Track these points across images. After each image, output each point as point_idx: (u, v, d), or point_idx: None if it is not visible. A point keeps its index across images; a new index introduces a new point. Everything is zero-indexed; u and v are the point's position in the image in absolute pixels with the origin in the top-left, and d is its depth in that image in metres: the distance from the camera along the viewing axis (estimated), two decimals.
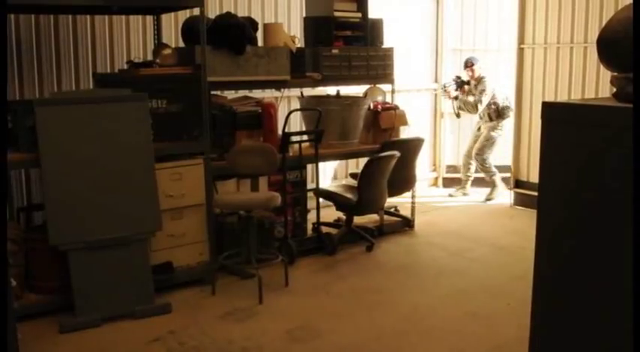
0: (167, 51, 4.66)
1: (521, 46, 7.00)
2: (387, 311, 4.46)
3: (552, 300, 1.93)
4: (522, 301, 4.56)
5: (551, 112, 1.75)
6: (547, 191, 1.80)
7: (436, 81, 8.03)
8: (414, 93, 7.76)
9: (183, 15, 5.48)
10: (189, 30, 5.04)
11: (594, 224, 1.71)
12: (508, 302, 4.55)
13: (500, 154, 7.52)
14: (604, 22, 6.00)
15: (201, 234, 4.78)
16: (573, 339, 1.87)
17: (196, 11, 4.90)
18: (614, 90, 1.75)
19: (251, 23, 5.26)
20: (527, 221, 6.53)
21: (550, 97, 6.71)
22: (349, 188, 5.86)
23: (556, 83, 6.72)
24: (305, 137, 5.59)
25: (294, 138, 5.42)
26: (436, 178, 8.33)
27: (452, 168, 8.27)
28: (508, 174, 7.36)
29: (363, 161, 6.92)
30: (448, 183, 8.22)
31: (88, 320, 4.05)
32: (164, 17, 5.42)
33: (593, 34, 6.31)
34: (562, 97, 6.53)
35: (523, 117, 7.10)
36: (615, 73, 1.73)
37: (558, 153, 1.75)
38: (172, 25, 5.70)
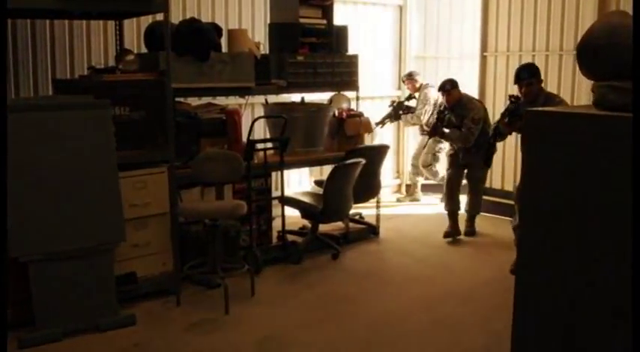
0: (130, 57, 4.56)
1: (485, 53, 7.07)
2: (356, 319, 4.43)
3: (534, 312, 1.90)
4: (489, 307, 4.66)
5: (534, 120, 1.74)
6: (529, 198, 1.78)
7: (399, 88, 8.05)
8: (377, 100, 7.76)
9: (146, 20, 5.38)
10: (153, 35, 4.94)
11: (579, 230, 1.70)
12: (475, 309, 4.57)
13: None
14: (565, 31, 6.12)
15: (166, 244, 4.68)
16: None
17: (159, 17, 4.82)
18: (594, 98, 1.75)
19: (215, 29, 5.18)
20: (491, 227, 6.61)
21: None
22: (314, 195, 5.82)
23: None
24: (269, 144, 5.54)
25: (259, 146, 5.36)
26: (399, 185, 8.34)
27: None
28: None
29: (327, 168, 6.94)
30: (413, 190, 8.23)
31: (48, 334, 3.92)
32: (126, 22, 5.31)
33: (555, 43, 6.44)
34: None
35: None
36: (598, 82, 1.72)
37: (540, 161, 1.74)
38: (135, 30, 5.59)
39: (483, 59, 7.09)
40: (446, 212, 6.34)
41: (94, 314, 4.09)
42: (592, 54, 1.75)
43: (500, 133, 5.53)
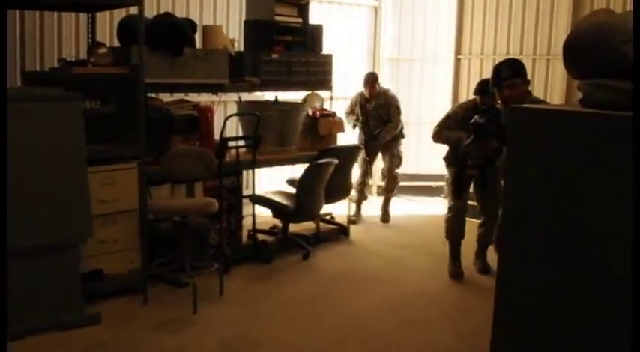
0: (102, 50, 4.47)
1: (459, 56, 7.11)
2: (326, 320, 4.41)
3: (517, 317, 1.89)
4: (459, 308, 4.68)
5: (520, 118, 1.74)
6: (513, 197, 1.78)
7: None
8: (350, 101, 7.74)
9: (119, 14, 5.30)
10: (126, 29, 4.86)
11: (566, 230, 1.69)
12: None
13: (434, 164, 7.59)
14: (539, 35, 6.18)
15: (134, 241, 4.60)
16: None
17: (133, 10, 4.74)
18: (581, 96, 1.75)
19: (190, 24, 5.12)
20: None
21: None
22: (286, 195, 5.78)
23: None
24: (242, 142, 5.49)
25: (232, 144, 5.31)
26: (370, 186, 8.33)
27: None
28: (441, 183, 7.43)
29: (298, 167, 6.91)
30: (381, 190, 8.24)
31: (11, 332, 3.80)
32: (99, 15, 5.22)
33: (529, 46, 6.49)
34: None
35: None
36: (584, 80, 1.72)
37: (526, 160, 1.73)
38: (107, 23, 5.50)
39: (457, 62, 7.13)
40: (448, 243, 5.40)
41: (59, 312, 4.00)
42: (578, 52, 1.74)
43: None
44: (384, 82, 7.99)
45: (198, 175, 4.87)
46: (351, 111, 7.00)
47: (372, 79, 6.79)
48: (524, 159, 1.74)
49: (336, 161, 5.58)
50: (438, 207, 7.46)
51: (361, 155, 6.75)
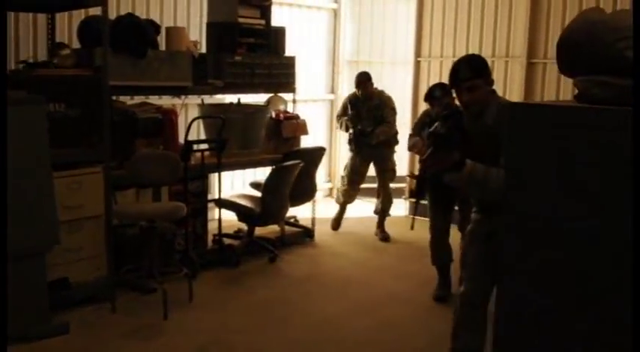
0: (66, 51, 4.34)
1: (419, 58, 7.17)
2: (299, 323, 4.38)
3: (518, 315, 1.89)
4: (429, 307, 4.70)
5: (520, 114, 1.74)
6: (512, 198, 1.77)
7: (332, 92, 8.06)
8: (310, 103, 7.74)
9: (78, 14, 5.16)
10: (87, 30, 4.74)
11: (567, 227, 1.70)
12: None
13: (399, 164, 7.64)
14: (498, 36, 6.25)
15: (99, 248, 4.47)
16: None
17: (92, 11, 4.62)
18: (577, 92, 1.77)
19: (153, 26, 5.03)
20: (426, 230, 6.67)
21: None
22: (251, 198, 5.73)
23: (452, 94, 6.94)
24: (205, 146, 5.41)
25: (197, 147, 5.23)
26: (331, 189, 8.35)
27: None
28: (403, 185, 7.49)
29: (260, 171, 6.87)
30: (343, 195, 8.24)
31: None
32: (58, 16, 5.06)
33: (488, 48, 6.59)
34: None
35: None
36: (579, 77, 1.74)
37: (525, 158, 1.73)
38: (66, 25, 5.34)
39: (417, 64, 7.18)
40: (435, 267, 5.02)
41: (25, 323, 3.85)
42: (572, 50, 1.77)
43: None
44: (344, 85, 8.04)
45: (165, 179, 4.78)
46: (342, 113, 6.60)
47: (365, 79, 6.40)
48: (525, 158, 1.74)
49: (301, 163, 5.56)
50: (400, 207, 7.51)
51: (350, 160, 6.59)
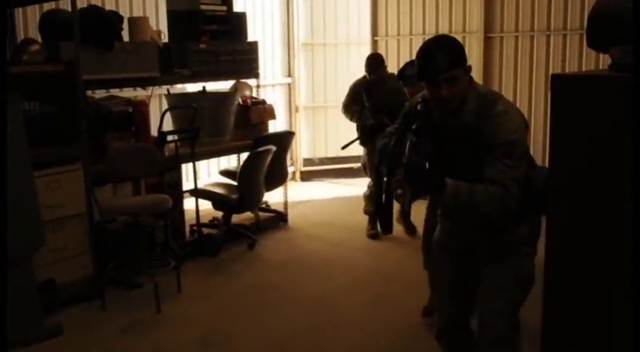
0: (35, 47, 4.21)
1: (375, 38, 7.23)
2: (291, 306, 4.41)
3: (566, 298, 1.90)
4: (416, 284, 4.77)
5: (562, 85, 1.77)
6: (560, 170, 1.79)
7: (289, 75, 8.05)
8: (269, 88, 7.72)
9: (33, 8, 4.99)
10: (50, 24, 4.60)
11: (613, 201, 1.72)
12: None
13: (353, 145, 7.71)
14: (454, 14, 6.36)
15: (83, 246, 4.39)
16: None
17: (48, 5, 4.48)
18: (612, 63, 1.84)
19: (116, 17, 4.92)
20: (395, 208, 6.79)
21: None
22: (226, 186, 5.70)
23: None
24: (176, 137, 5.33)
25: (170, 138, 5.16)
26: (294, 172, 8.36)
27: (309, 162, 8.36)
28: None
29: (225, 159, 6.84)
30: (306, 176, 8.30)
31: None
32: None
33: (444, 25, 6.70)
34: None
35: None
36: (614, 47, 1.81)
37: (570, 133, 1.76)
38: (21, 18, 5.16)
39: (374, 44, 7.25)
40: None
41: (19, 328, 3.75)
42: (604, 22, 1.84)
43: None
44: (299, 68, 8.04)
45: (144, 172, 4.72)
46: (351, 101, 5.72)
47: (379, 61, 5.69)
48: (570, 133, 1.75)
49: (274, 148, 5.55)
50: (362, 187, 7.59)
51: (367, 160, 5.71)
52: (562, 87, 1.78)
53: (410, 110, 2.56)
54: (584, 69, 6.02)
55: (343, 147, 5.65)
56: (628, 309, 1.69)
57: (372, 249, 5.63)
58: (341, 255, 5.49)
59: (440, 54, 2.38)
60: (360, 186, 7.37)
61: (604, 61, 5.79)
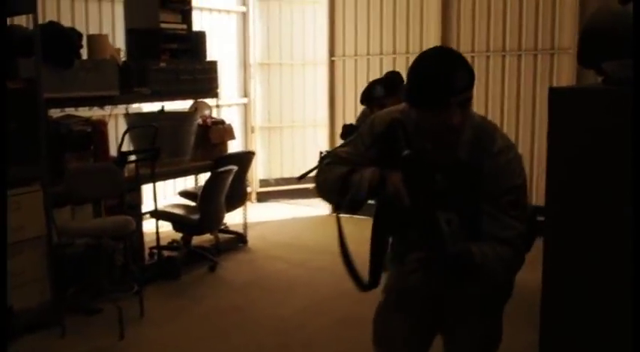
0: None
1: (332, 58, 7.26)
2: (257, 328, 4.34)
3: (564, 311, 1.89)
4: None
5: (561, 98, 1.79)
6: (556, 183, 1.81)
7: (245, 95, 8.01)
8: (225, 108, 7.65)
9: None
10: (6, 40, 4.44)
11: (613, 214, 1.74)
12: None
13: (308, 166, 7.70)
14: (410, 34, 6.44)
15: (41, 270, 4.21)
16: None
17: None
18: (607, 77, 1.87)
19: (75, 34, 4.79)
20: (353, 227, 6.76)
21: (362, 106, 7.03)
22: (186, 207, 5.60)
23: None
24: (134, 157, 5.21)
25: (130, 158, 5.04)
26: (250, 193, 8.28)
27: (264, 183, 8.31)
28: None
29: (181, 180, 6.73)
30: (263, 197, 8.23)
31: None
32: None
33: (402, 45, 6.79)
34: None
35: (336, 127, 7.35)
36: (608, 62, 1.84)
37: (568, 140, 1.77)
38: None
39: (331, 64, 7.28)
40: None
41: None
42: (598, 39, 1.88)
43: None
44: (256, 88, 8.01)
45: (107, 193, 4.58)
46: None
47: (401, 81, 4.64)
48: (566, 147, 1.77)
49: (235, 168, 5.49)
50: (319, 208, 7.58)
51: None
52: (560, 100, 1.80)
53: (390, 132, 2.00)
54: (538, 89, 6.19)
55: (300, 178, 5.01)
56: (627, 331, 1.70)
57: (335, 269, 5.52)
58: (304, 276, 5.44)
59: (459, 72, 1.88)
60: (316, 207, 7.38)
61: (557, 80, 6.01)
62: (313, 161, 6.55)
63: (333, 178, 2.10)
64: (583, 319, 1.84)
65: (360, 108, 6.83)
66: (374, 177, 2.00)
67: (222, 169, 5.41)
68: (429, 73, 1.89)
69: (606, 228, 1.75)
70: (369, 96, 4.28)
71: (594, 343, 1.84)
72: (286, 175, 8.29)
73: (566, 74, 6.04)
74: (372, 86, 4.34)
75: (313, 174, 3.24)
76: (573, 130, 1.77)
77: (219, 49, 7.55)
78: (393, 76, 4.62)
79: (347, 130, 3.66)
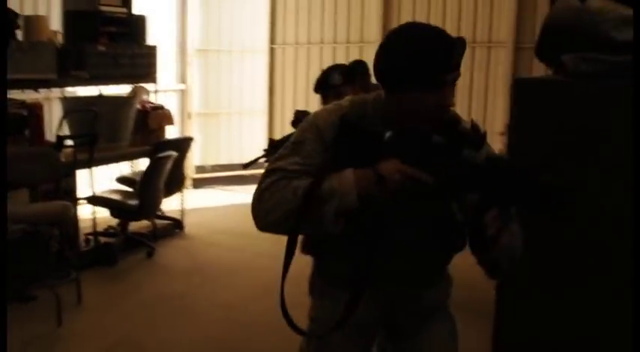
0: None
1: (273, 45, 7.27)
2: (201, 313, 4.36)
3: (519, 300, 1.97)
4: None
5: (526, 89, 1.88)
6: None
7: (183, 82, 7.93)
8: (161, 93, 7.55)
9: None
10: None
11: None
12: None
13: (244, 152, 7.72)
14: (352, 23, 6.49)
15: None
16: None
17: None
18: (568, 69, 1.97)
19: (10, 13, 4.66)
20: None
21: (300, 94, 7.09)
22: (124, 193, 5.54)
23: (307, 81, 7.08)
24: (71, 142, 5.11)
25: (67, 142, 4.94)
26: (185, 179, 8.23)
27: (200, 169, 8.26)
28: (263, 170, 7.58)
29: (119, 165, 6.62)
30: (198, 183, 8.19)
31: None
32: None
33: (342, 34, 6.83)
34: (313, 95, 6.91)
35: (275, 116, 7.39)
36: (568, 55, 1.95)
37: (532, 131, 1.86)
38: None
39: (271, 51, 7.28)
40: None
41: None
42: (558, 33, 1.99)
43: None
44: (194, 74, 7.94)
45: (44, 177, 4.49)
46: None
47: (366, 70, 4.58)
48: (530, 130, 1.87)
49: (175, 154, 5.47)
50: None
51: None
52: (525, 91, 1.89)
53: (349, 128, 1.73)
54: (475, 81, 6.33)
55: (246, 165, 4.33)
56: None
57: (274, 254, 5.56)
58: (244, 261, 5.48)
59: (458, 45, 1.64)
60: (251, 193, 7.39)
61: (494, 72, 6.13)
62: (251, 148, 6.61)
63: (291, 196, 1.70)
64: (534, 309, 1.96)
65: (301, 96, 7.04)
66: (364, 175, 1.62)
67: (162, 155, 5.37)
68: (431, 48, 1.61)
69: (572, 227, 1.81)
70: (325, 83, 3.68)
71: (545, 331, 1.96)
72: (223, 162, 8.27)
73: (502, 66, 6.17)
74: (328, 73, 3.73)
75: (263, 160, 3.49)
76: (539, 120, 1.87)
77: (158, 35, 7.45)
78: (354, 65, 4.37)
79: (301, 116, 3.27)
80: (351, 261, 1.78)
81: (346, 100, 1.83)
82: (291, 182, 1.71)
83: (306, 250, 2.08)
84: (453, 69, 1.63)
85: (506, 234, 1.54)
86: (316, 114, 1.84)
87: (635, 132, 1.72)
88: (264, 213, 1.78)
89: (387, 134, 1.64)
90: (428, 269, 1.87)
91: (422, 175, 1.54)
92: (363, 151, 1.65)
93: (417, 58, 1.60)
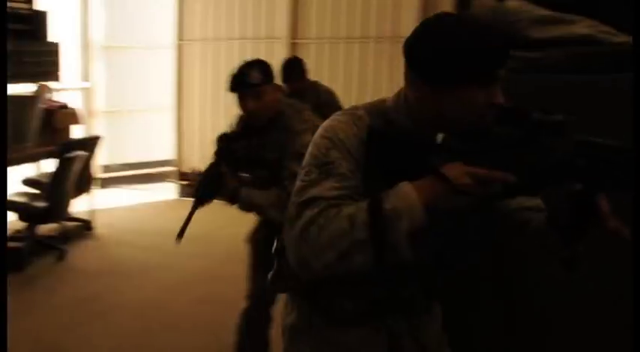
0: None
1: (180, 41, 7.21)
2: (118, 313, 4.35)
3: None
4: (240, 281, 4.88)
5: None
6: None
7: (87, 80, 7.74)
8: (64, 92, 7.36)
9: None
10: None
11: None
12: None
13: (151, 151, 7.67)
14: (263, 18, 6.53)
15: None
16: None
17: None
18: None
19: None
20: (201, 210, 6.87)
21: (209, 91, 7.09)
22: (30, 195, 5.38)
23: (216, 77, 7.07)
24: None
25: None
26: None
27: (107, 168, 8.11)
28: (172, 168, 7.56)
29: (26, 167, 6.42)
30: (105, 183, 8.03)
31: None
32: None
33: (249, 30, 6.87)
34: (222, 92, 6.87)
35: (183, 111, 7.35)
36: None
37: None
38: None
39: (179, 48, 7.23)
40: None
41: None
42: None
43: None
44: (98, 72, 7.79)
45: None
46: None
47: (302, 68, 4.94)
48: None
49: (86, 154, 5.37)
50: (165, 192, 7.58)
51: None
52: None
53: (379, 139, 1.52)
54: (383, 76, 6.42)
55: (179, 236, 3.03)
56: None
57: (186, 252, 5.59)
58: (156, 260, 5.46)
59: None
60: (160, 192, 7.40)
61: (399, 68, 6.26)
62: (159, 146, 6.55)
63: (347, 226, 1.38)
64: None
65: (210, 92, 7.02)
66: (427, 187, 1.39)
67: (71, 155, 5.25)
68: (490, 39, 1.41)
69: None
70: (243, 82, 3.00)
71: None
72: (130, 161, 8.16)
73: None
74: (245, 71, 3.05)
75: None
76: None
77: (60, 31, 7.25)
78: (290, 62, 4.66)
79: (223, 144, 2.93)
80: (375, 287, 1.60)
81: (357, 108, 1.58)
82: (342, 210, 1.40)
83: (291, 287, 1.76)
84: (505, 65, 1.45)
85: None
86: (333, 128, 1.53)
87: (635, 132, 1.78)
88: (318, 251, 1.39)
89: (440, 136, 1.45)
90: (433, 292, 1.73)
91: (500, 174, 1.33)
92: (406, 161, 1.45)
93: (477, 48, 1.39)
